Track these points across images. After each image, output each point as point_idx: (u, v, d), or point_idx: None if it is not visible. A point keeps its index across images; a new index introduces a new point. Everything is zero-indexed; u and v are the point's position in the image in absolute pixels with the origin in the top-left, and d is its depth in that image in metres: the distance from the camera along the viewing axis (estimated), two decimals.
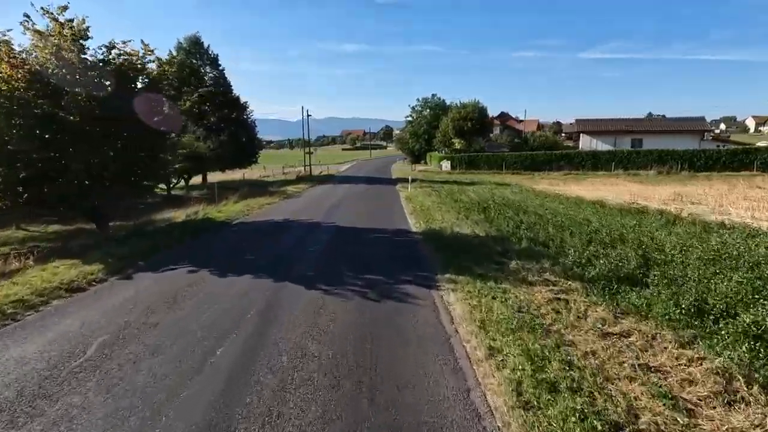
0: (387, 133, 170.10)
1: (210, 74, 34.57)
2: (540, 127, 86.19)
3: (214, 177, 36.13)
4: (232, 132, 33.14)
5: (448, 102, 58.84)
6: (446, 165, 41.65)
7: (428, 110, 58.87)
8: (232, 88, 35.89)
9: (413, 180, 26.58)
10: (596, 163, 37.00)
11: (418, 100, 59.63)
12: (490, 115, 44.82)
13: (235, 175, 38.39)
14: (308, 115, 41.73)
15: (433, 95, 58.88)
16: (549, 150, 41.22)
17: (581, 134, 43.81)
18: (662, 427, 3.28)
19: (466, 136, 42.92)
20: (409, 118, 60.65)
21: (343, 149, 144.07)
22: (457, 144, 43.64)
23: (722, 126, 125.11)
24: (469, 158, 40.85)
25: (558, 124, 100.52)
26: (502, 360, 4.36)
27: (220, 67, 35.15)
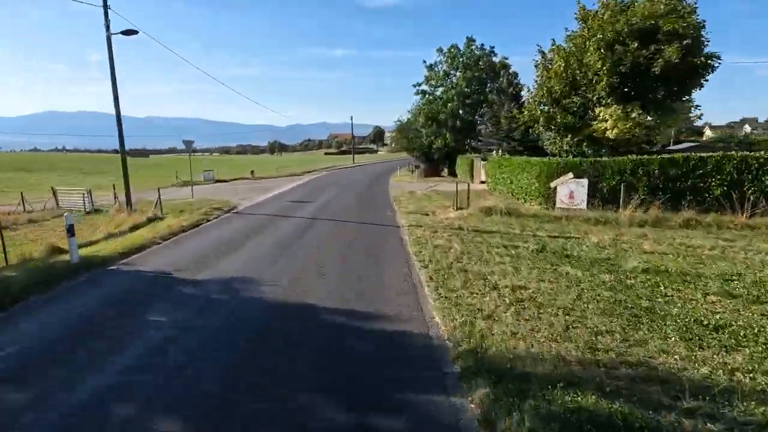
0: (378, 134, 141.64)
1: None
2: None
3: None
4: None
5: (499, 56, 30.13)
6: (572, 190, 12.58)
7: (460, 71, 29.96)
8: None
9: None
10: None
11: (440, 51, 30.41)
12: None
13: None
14: (113, 62, 13.18)
15: (470, 39, 29.87)
16: None
17: None
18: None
19: (659, 90, 12.82)
20: (423, 88, 31.26)
21: (326, 153, 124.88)
22: (612, 120, 13.00)
23: (747, 128, 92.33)
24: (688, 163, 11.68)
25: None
26: None
27: None
